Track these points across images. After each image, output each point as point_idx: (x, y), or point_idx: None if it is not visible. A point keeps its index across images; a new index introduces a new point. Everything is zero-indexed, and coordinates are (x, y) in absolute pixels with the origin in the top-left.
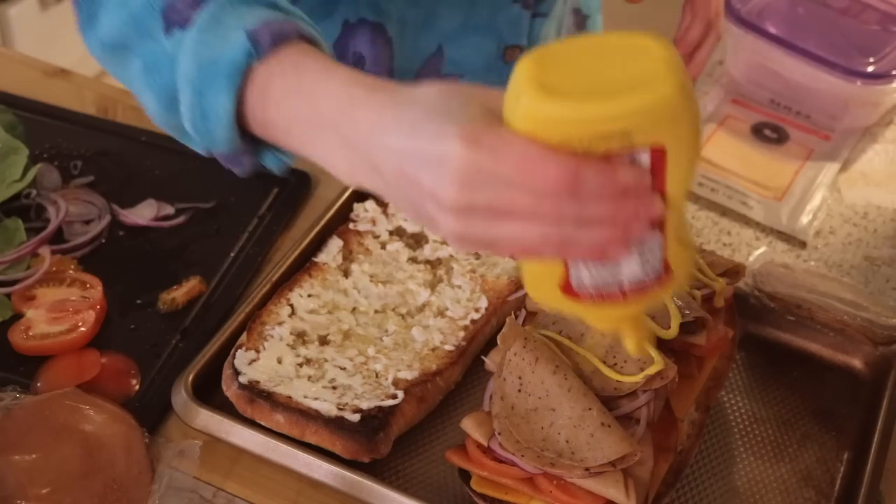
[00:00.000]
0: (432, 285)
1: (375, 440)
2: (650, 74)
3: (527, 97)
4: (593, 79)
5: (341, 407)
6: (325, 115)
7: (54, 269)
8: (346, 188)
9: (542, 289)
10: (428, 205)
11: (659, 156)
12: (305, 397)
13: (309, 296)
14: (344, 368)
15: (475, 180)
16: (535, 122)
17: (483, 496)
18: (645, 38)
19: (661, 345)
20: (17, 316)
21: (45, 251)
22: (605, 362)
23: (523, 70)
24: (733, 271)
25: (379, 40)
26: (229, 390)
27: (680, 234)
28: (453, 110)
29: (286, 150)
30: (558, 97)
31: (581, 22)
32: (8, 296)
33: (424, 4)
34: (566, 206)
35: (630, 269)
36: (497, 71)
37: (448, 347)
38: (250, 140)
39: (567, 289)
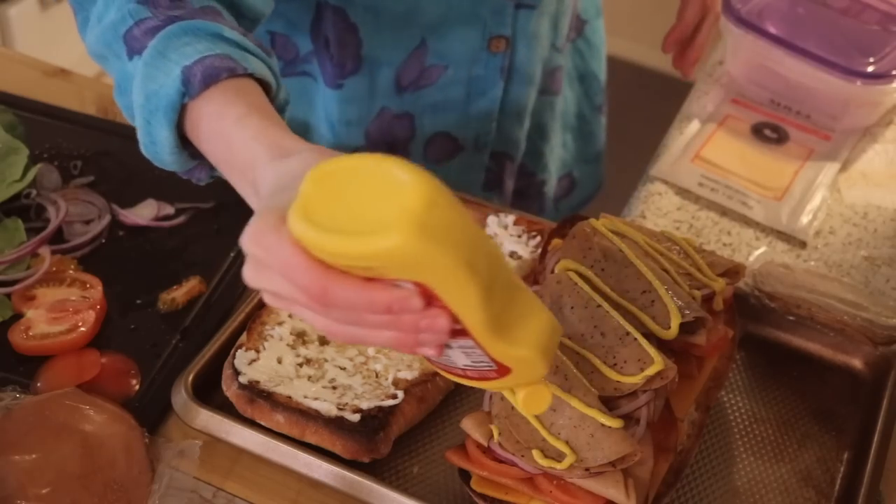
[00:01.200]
0: None
1: (375, 440)
2: (388, 219)
3: (290, 214)
4: (348, 211)
5: (341, 407)
6: (236, 164)
7: (54, 269)
8: None
9: None
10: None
11: (422, 287)
12: (305, 397)
13: None
14: (344, 368)
15: (259, 270)
16: (297, 238)
17: (483, 496)
18: (406, 171)
19: (661, 345)
20: (17, 316)
21: (45, 251)
22: (605, 362)
23: (304, 185)
24: (733, 271)
25: (340, 24)
26: (229, 390)
27: (505, 332)
28: (277, 201)
29: None
30: (309, 224)
31: (580, 26)
32: (8, 296)
33: None
34: (329, 311)
35: (460, 359)
36: (482, 62)
37: None
38: (201, 155)
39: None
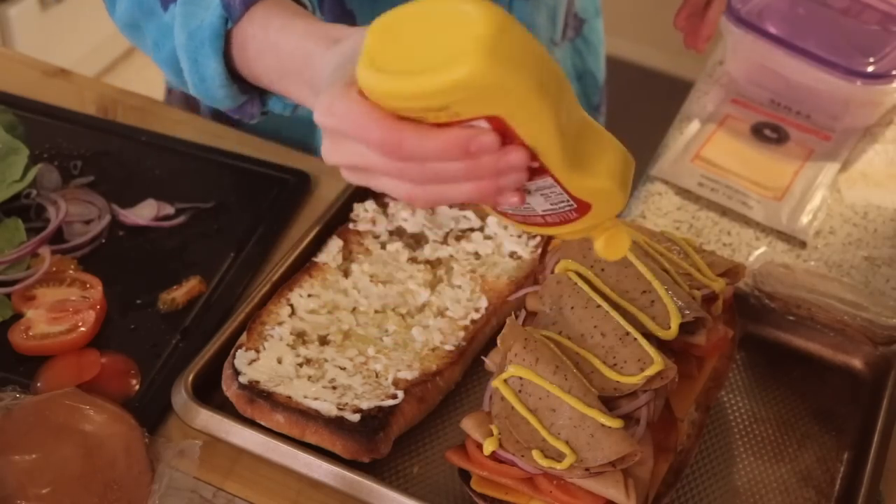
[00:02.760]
0: (432, 285)
1: (375, 440)
2: (459, 49)
3: (358, 67)
4: (416, 52)
5: (341, 407)
6: (289, 66)
7: (54, 269)
8: (346, 188)
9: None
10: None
11: (497, 121)
12: (305, 397)
13: (309, 296)
14: (344, 368)
15: (335, 143)
16: (367, 92)
17: (483, 496)
18: (470, 2)
19: (662, 345)
20: (17, 316)
21: (45, 251)
22: (605, 363)
23: (366, 38)
24: (733, 271)
25: (337, 10)
26: (229, 390)
27: (581, 165)
28: (339, 75)
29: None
30: (378, 72)
31: (578, 26)
32: (8, 296)
33: None
34: (407, 169)
35: (539, 204)
36: None
37: (448, 347)
38: (251, 89)
39: (499, 210)
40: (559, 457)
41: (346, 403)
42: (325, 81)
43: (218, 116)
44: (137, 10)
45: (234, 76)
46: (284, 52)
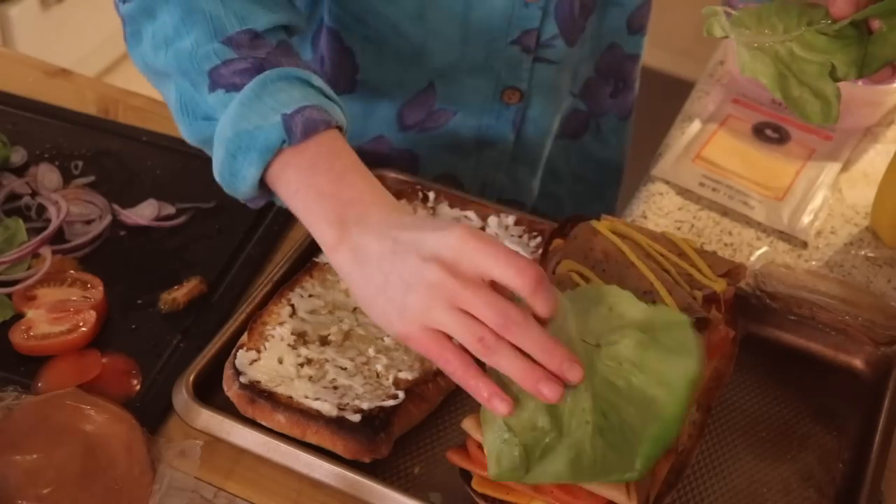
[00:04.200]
0: None
1: (376, 440)
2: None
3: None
4: None
5: (342, 407)
6: (338, 196)
7: (55, 269)
8: None
9: None
10: (401, 282)
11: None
12: (306, 397)
13: (310, 296)
14: (345, 369)
15: (464, 252)
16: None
17: (484, 496)
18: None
19: None
20: (18, 316)
21: (45, 251)
22: None
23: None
24: (734, 272)
25: (335, 45)
26: (230, 390)
27: None
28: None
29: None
30: None
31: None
32: (9, 296)
33: (410, 36)
34: (513, 323)
35: None
36: (494, 112)
37: None
38: (265, 189)
39: None
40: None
41: (347, 404)
42: (378, 225)
43: None
44: (174, 70)
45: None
46: (342, 184)
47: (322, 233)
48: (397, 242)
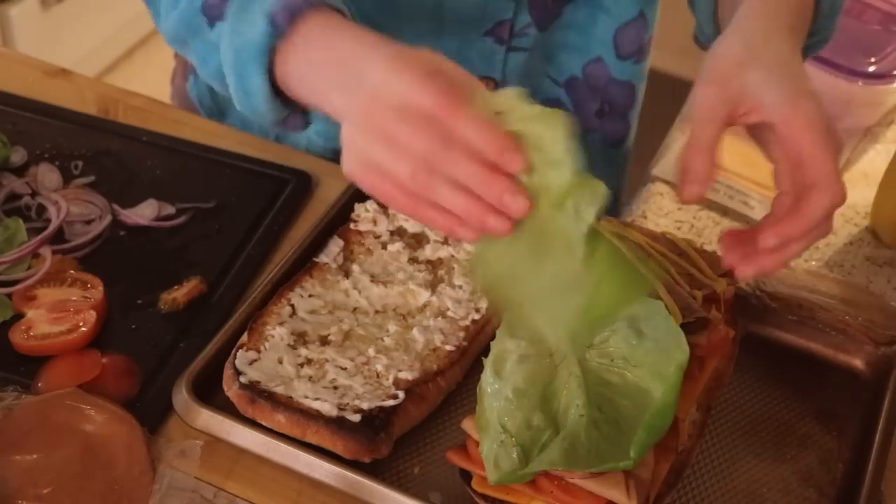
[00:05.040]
0: (433, 286)
1: (376, 440)
2: None
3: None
4: None
5: (342, 407)
6: (340, 60)
7: (55, 269)
8: (347, 188)
9: None
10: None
11: None
12: (306, 397)
13: (310, 296)
14: (345, 369)
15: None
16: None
17: (484, 496)
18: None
19: None
20: (18, 316)
21: (45, 251)
22: None
23: None
24: (735, 271)
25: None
26: (230, 390)
27: None
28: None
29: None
30: None
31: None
32: (9, 296)
33: (383, 28)
34: (437, 155)
35: None
36: None
37: (449, 348)
38: (293, 102)
39: None
40: None
41: (347, 404)
42: (395, 54)
43: (221, 114)
44: (183, 28)
45: (278, 91)
46: (336, 48)
47: (330, 104)
48: (373, 102)
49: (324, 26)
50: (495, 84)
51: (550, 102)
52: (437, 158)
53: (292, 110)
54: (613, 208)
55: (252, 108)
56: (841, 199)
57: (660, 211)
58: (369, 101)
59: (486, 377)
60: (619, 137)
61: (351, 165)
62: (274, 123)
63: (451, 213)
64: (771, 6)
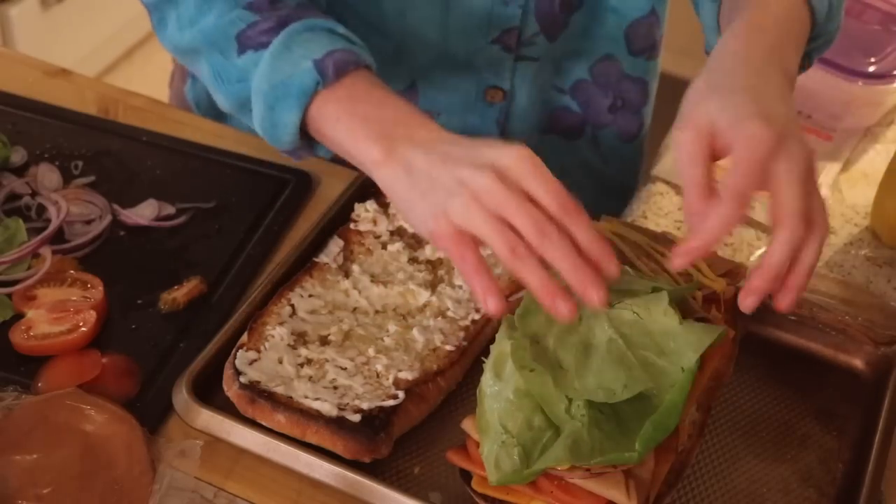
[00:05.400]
0: (433, 286)
1: (376, 440)
2: None
3: None
4: None
5: (342, 407)
6: (381, 119)
7: (55, 269)
8: (347, 188)
9: None
10: (449, 185)
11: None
12: (306, 397)
13: (310, 296)
14: (345, 369)
15: (520, 169)
16: None
17: (484, 496)
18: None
19: None
20: (18, 316)
21: (45, 251)
22: None
23: None
24: (734, 271)
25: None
26: (230, 390)
27: None
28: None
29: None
30: None
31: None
32: (9, 296)
33: (391, 36)
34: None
35: None
36: (478, 112)
37: (449, 348)
38: (309, 139)
39: None
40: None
41: (347, 404)
42: (456, 141)
43: (218, 117)
44: (202, 45)
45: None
46: (363, 116)
47: (367, 150)
48: (448, 155)
49: (368, 84)
50: (504, 94)
51: (558, 111)
52: (543, 238)
53: (308, 144)
54: (625, 199)
55: (275, 137)
56: (801, 231)
57: (660, 211)
58: (495, 176)
59: (486, 379)
60: (632, 133)
61: (441, 226)
62: (287, 150)
63: (494, 285)
64: (753, 26)
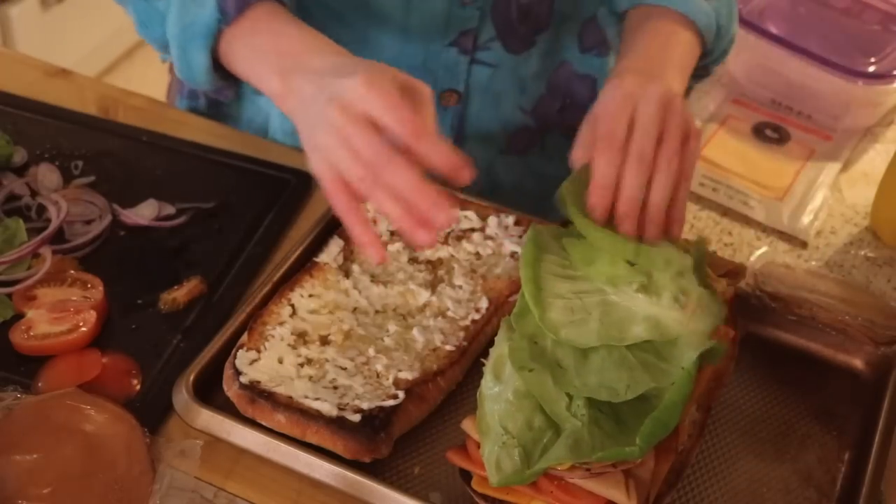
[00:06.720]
0: (433, 285)
1: (376, 440)
2: None
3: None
4: None
5: (342, 407)
6: (279, 51)
7: (55, 269)
8: None
9: None
10: (316, 122)
11: None
12: (306, 397)
13: (310, 296)
14: (345, 369)
15: (360, 97)
16: None
17: (484, 496)
18: None
19: None
20: (18, 316)
21: (46, 251)
22: None
23: None
24: (734, 272)
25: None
26: (230, 390)
27: None
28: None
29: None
30: None
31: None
32: (9, 296)
33: (353, 27)
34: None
35: None
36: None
37: (449, 348)
38: (230, 76)
39: None
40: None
41: (347, 404)
42: (339, 64)
43: (218, 116)
44: None
45: (217, 66)
46: (264, 50)
47: (268, 83)
48: (320, 87)
49: (269, 17)
50: (458, 97)
51: (520, 132)
52: (384, 168)
53: (228, 82)
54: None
55: (191, 78)
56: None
57: None
58: (340, 109)
59: (486, 382)
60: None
61: (317, 164)
62: (209, 91)
63: (371, 233)
64: (635, 69)
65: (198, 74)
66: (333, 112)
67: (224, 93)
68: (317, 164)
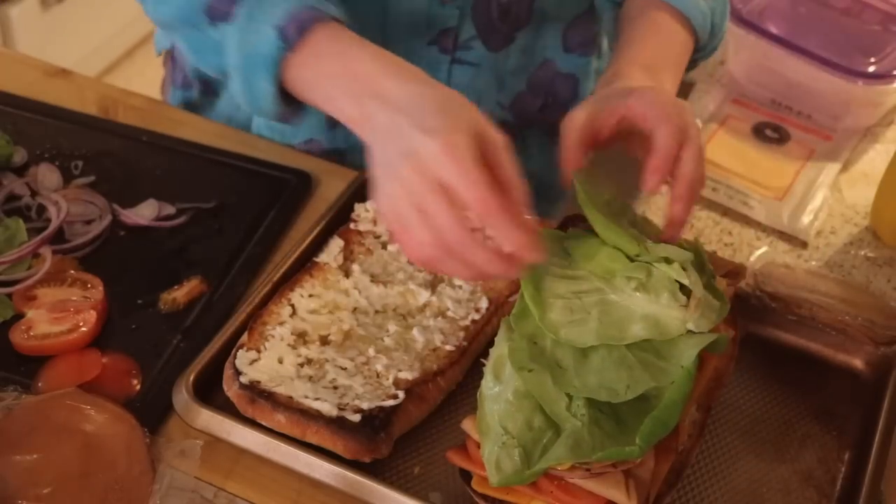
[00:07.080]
0: (433, 285)
1: (376, 440)
2: None
3: None
4: None
5: (342, 407)
6: (353, 75)
7: (55, 269)
8: (347, 188)
9: None
10: (390, 163)
11: None
12: (306, 397)
13: (310, 296)
14: (345, 369)
15: (437, 161)
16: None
17: (484, 496)
18: None
19: None
20: (18, 316)
21: (46, 251)
22: None
23: None
24: (734, 272)
25: None
26: (230, 390)
27: None
28: (454, 119)
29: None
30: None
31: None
32: (9, 296)
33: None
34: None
35: None
36: None
37: (449, 348)
38: (296, 102)
39: None
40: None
41: (347, 404)
42: (426, 112)
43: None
44: (176, 21)
45: (282, 92)
46: (352, 64)
47: (342, 111)
48: (396, 126)
49: (331, 39)
50: None
51: (497, 126)
52: (456, 247)
53: (292, 107)
54: (553, 199)
55: (257, 107)
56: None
57: (659, 211)
58: (415, 168)
59: (486, 382)
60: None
61: (382, 204)
62: (275, 119)
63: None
64: (636, 63)
65: (265, 104)
66: (407, 170)
67: (293, 118)
68: (385, 208)
